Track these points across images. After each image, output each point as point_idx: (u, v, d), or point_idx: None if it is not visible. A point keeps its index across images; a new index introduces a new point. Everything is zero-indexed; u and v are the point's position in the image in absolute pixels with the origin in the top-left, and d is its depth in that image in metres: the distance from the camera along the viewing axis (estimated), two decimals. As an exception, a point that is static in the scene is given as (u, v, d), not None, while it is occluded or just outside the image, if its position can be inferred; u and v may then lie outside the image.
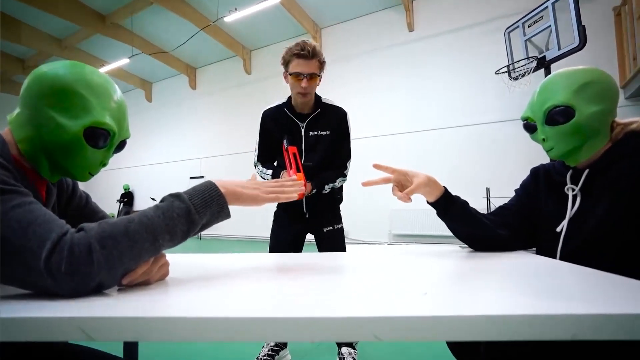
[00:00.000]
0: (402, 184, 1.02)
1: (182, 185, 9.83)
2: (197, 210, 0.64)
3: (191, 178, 9.92)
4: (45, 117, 0.66)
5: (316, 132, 1.61)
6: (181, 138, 10.57)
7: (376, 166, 1.02)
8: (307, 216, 1.68)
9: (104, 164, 0.77)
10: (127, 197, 11.10)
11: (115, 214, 10.68)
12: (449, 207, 1.00)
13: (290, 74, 1.52)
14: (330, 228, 1.67)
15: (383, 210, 6.70)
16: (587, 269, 0.70)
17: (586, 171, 0.90)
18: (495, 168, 5.90)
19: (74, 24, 7.71)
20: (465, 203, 1.02)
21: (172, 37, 8.50)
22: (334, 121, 1.63)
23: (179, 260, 0.96)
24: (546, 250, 0.95)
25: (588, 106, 0.84)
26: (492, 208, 5.61)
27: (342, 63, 7.44)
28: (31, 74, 0.69)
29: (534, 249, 1.01)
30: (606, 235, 0.82)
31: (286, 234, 1.71)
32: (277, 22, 7.74)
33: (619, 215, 0.81)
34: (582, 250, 0.86)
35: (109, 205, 11.16)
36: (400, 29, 6.99)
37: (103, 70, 8.87)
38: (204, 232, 9.49)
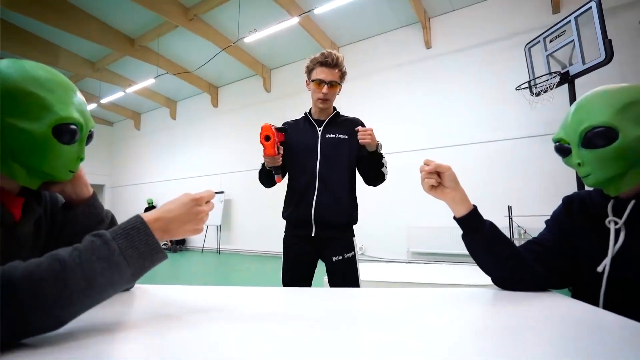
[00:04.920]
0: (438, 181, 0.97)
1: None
2: (123, 253, 0.54)
3: (212, 193, 9.98)
4: (6, 127, 0.61)
5: (334, 135, 1.63)
6: (203, 154, 10.74)
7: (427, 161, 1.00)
8: (314, 238, 1.57)
9: (82, 159, 0.73)
10: (151, 211, 11.28)
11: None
12: (478, 226, 0.86)
13: (312, 81, 1.58)
14: (340, 257, 1.55)
15: (400, 227, 6.49)
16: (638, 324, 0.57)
17: (632, 202, 0.76)
18: (517, 186, 5.63)
19: (106, 47, 8.08)
20: (497, 228, 0.88)
21: (195, 58, 8.73)
22: (351, 127, 1.64)
23: (157, 292, 0.86)
24: (586, 293, 0.80)
25: (635, 128, 0.71)
26: (515, 227, 5.31)
27: (359, 81, 7.39)
28: None
29: (566, 288, 0.85)
30: None
31: (298, 264, 1.61)
32: (295, 41, 7.82)
33: None
34: (629, 296, 0.71)
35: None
36: (418, 46, 6.90)
37: (131, 90, 9.19)
38: (224, 246, 9.48)
